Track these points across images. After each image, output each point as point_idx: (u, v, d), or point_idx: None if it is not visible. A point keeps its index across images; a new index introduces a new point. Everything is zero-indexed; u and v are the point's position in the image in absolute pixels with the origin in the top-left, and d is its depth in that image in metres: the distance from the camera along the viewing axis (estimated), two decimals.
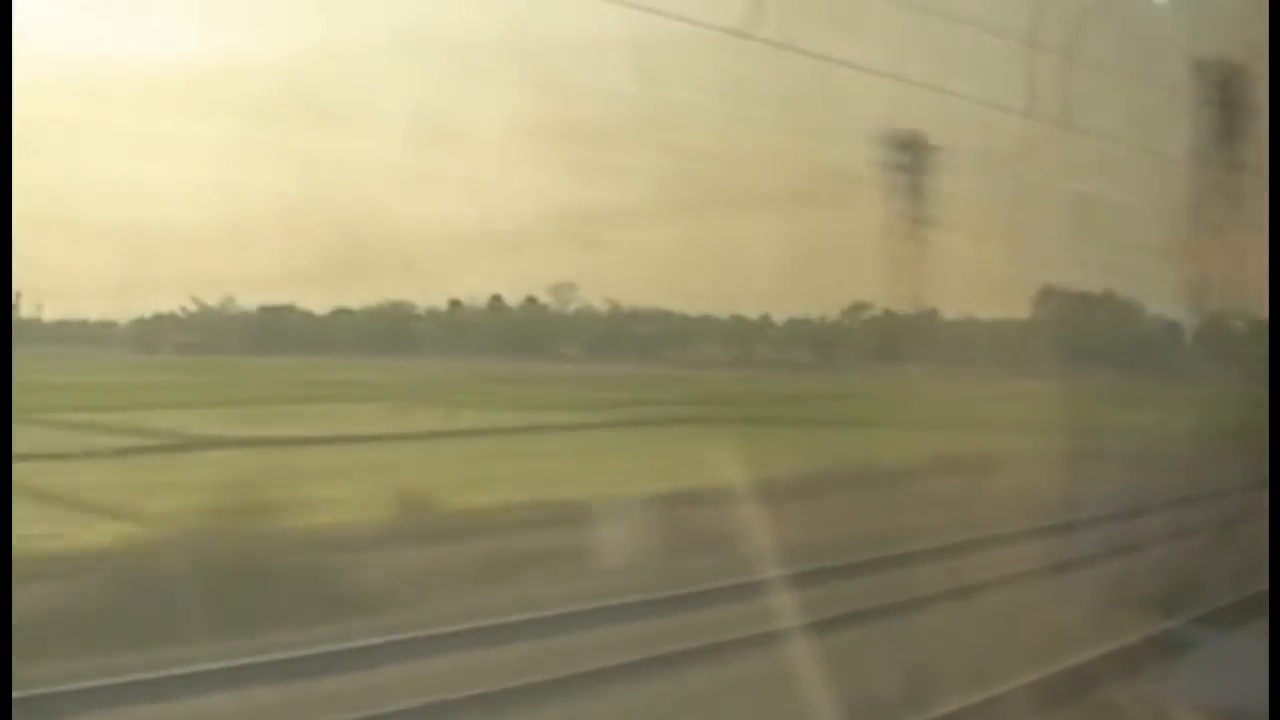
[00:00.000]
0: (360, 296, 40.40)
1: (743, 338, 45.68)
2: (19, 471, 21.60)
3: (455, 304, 44.76)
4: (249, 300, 39.63)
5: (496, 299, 44.90)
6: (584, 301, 45.12)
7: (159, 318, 39.44)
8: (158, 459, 24.85)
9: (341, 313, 43.67)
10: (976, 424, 24.37)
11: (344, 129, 27.11)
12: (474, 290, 42.20)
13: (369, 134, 27.01)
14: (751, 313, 44.36)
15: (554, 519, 17.63)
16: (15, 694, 8.86)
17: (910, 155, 24.93)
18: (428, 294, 41.62)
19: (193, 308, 39.57)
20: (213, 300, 39.75)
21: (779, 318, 44.96)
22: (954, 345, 35.50)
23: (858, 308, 43.66)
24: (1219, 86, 23.49)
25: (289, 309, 41.14)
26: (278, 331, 40.92)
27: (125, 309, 37.29)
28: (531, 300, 45.12)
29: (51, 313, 36.38)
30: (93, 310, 37.65)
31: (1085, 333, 35.18)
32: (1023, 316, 35.47)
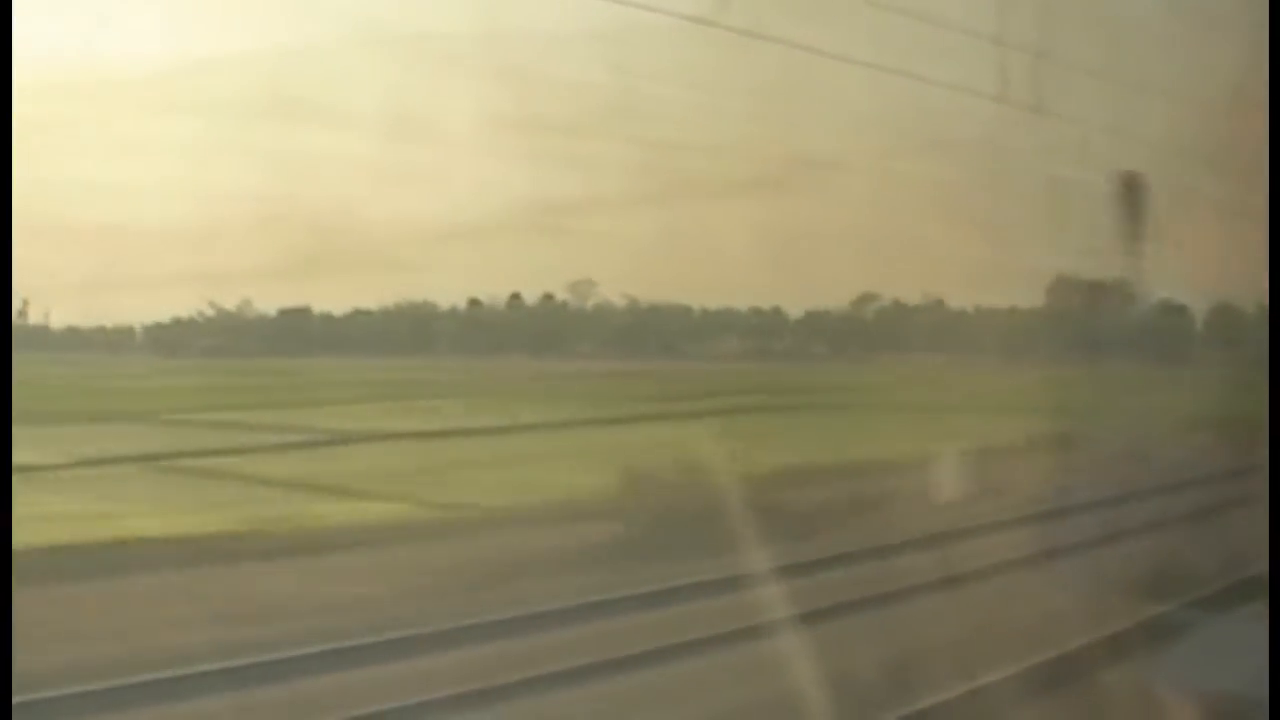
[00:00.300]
0: (335, 291, 40.54)
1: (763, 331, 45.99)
2: (228, 462, 23.55)
3: (475, 302, 45.22)
4: (230, 297, 39.84)
5: (515, 296, 45.29)
6: (603, 297, 45.54)
7: (178, 322, 39.85)
8: (341, 450, 27.49)
9: (360, 314, 44.03)
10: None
11: (317, 123, 27.30)
12: (453, 283, 42.42)
13: (342, 128, 27.22)
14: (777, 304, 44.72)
15: (848, 474, 20.95)
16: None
17: (1130, 190, 26.69)
18: (410, 287, 41.94)
19: (210, 311, 39.96)
20: (230, 304, 40.11)
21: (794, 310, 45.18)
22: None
23: (866, 298, 43.82)
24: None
25: (305, 311, 41.51)
26: (304, 333, 41.37)
27: (124, 312, 37.71)
28: (549, 297, 45.46)
29: (52, 318, 36.77)
30: (75, 311, 38.01)
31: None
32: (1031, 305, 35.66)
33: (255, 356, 39.16)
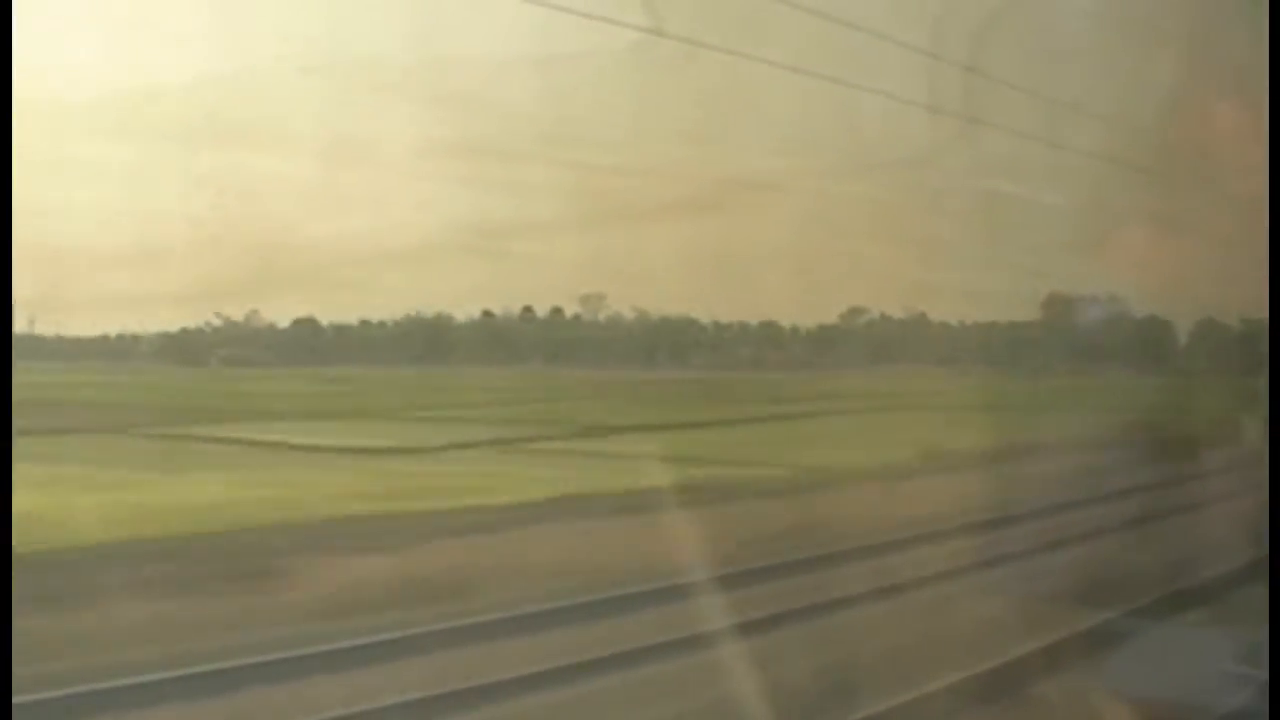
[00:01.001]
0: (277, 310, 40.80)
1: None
2: (549, 445, 28.57)
3: (488, 314, 45.57)
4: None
5: (528, 309, 45.66)
6: (612, 310, 45.93)
7: (185, 331, 40.32)
8: (618, 437, 28.81)
9: (368, 324, 44.43)
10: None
11: (257, 148, 27.58)
12: (393, 302, 42.95)
13: (281, 152, 27.52)
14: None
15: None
16: None
17: None
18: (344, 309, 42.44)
19: (217, 322, 40.38)
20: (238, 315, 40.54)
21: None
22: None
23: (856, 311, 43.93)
24: None
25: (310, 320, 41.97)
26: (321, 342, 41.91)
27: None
28: (558, 310, 45.81)
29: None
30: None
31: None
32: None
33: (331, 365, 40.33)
